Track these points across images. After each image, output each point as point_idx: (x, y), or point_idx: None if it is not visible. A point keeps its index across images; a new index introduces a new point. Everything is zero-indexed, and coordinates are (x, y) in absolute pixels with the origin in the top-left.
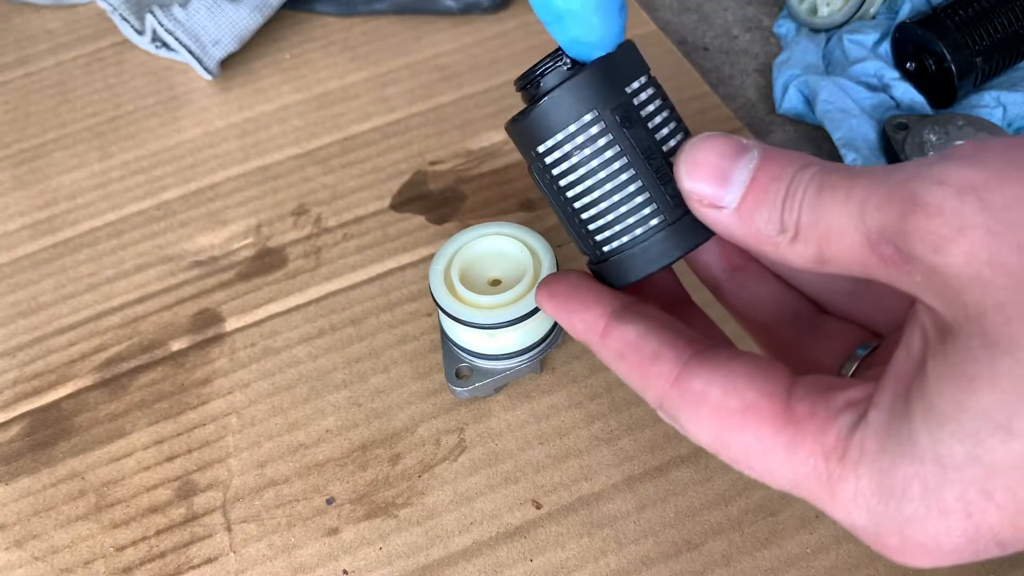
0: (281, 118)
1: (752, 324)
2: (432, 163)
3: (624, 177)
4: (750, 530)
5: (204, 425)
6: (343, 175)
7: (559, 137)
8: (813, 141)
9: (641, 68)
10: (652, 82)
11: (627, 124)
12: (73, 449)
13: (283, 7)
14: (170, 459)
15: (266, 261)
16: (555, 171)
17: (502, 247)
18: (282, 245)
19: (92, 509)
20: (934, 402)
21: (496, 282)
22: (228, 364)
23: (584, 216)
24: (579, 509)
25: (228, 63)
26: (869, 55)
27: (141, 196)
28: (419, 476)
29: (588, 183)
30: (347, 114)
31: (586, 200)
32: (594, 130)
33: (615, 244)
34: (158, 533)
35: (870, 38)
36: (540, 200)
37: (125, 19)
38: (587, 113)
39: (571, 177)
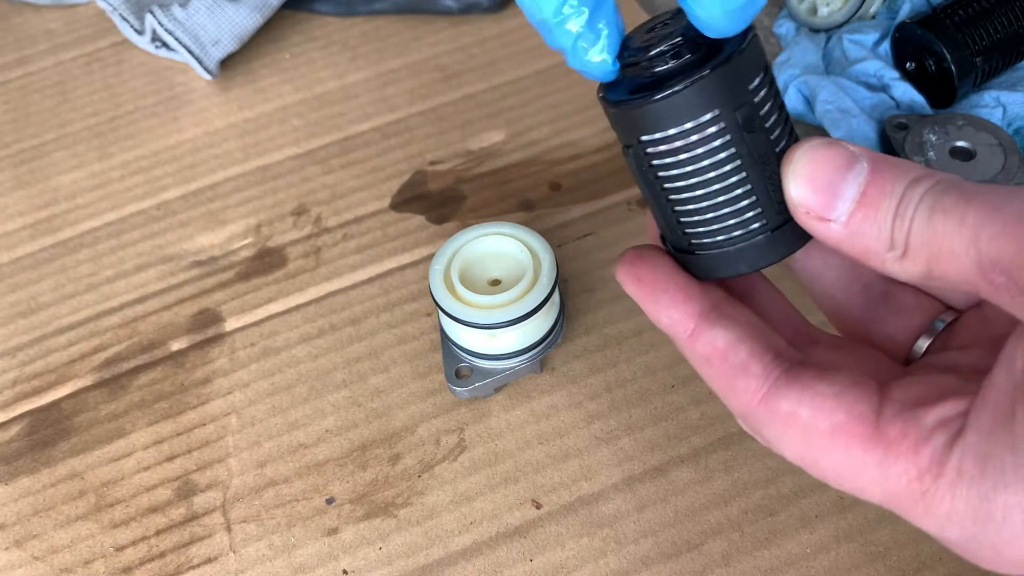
0: (281, 118)
1: (821, 296)
2: (432, 163)
3: (734, 180)
4: (750, 530)
5: (204, 425)
6: (343, 175)
7: (671, 132)
8: None
9: (763, 61)
10: (771, 77)
11: (748, 128)
12: (73, 449)
13: (283, 7)
14: (170, 459)
15: (266, 261)
16: (657, 162)
17: (502, 247)
18: (282, 245)
19: (92, 509)
20: None
21: (496, 282)
22: (228, 364)
23: (679, 208)
24: (579, 509)
25: (228, 63)
26: (869, 55)
27: (141, 196)
28: (419, 476)
29: (693, 180)
30: (347, 114)
31: (686, 195)
32: (712, 130)
33: (707, 240)
34: (158, 533)
35: (870, 38)
36: (540, 200)
37: (125, 19)
38: (708, 113)
39: (675, 171)
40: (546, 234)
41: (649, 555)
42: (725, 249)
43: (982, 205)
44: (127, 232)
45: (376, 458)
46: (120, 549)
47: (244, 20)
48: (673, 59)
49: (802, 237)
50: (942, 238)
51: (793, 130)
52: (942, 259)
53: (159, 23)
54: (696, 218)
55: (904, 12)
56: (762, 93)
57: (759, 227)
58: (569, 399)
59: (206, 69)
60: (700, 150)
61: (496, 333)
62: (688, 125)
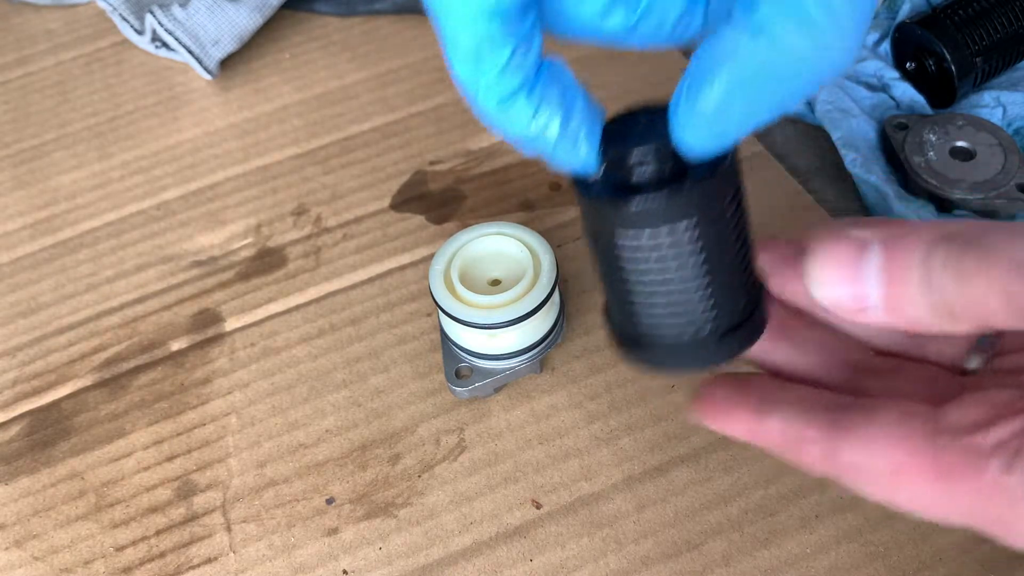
0: (281, 118)
1: (868, 337)
2: (432, 163)
3: (695, 284)
4: (750, 530)
5: (204, 425)
6: (343, 175)
7: (644, 234)
8: (813, 141)
9: (739, 175)
10: (743, 192)
11: (718, 241)
12: (73, 449)
13: (283, 7)
14: (170, 459)
15: (266, 261)
16: (623, 254)
17: (502, 247)
18: (282, 245)
19: (92, 509)
20: None
21: (496, 282)
22: (228, 364)
23: (633, 299)
24: (579, 509)
25: (228, 63)
26: (869, 55)
27: (141, 196)
28: (419, 476)
29: (653, 278)
30: (347, 114)
31: (643, 289)
32: (683, 238)
33: (654, 333)
34: (158, 533)
35: (870, 38)
36: (540, 200)
37: (125, 19)
38: (682, 222)
39: (639, 266)
40: (546, 234)
41: (649, 555)
42: (670, 345)
43: (1005, 264)
44: (127, 232)
45: (376, 458)
46: (120, 549)
47: (244, 20)
48: (656, 163)
49: (750, 339)
50: (981, 302)
51: (752, 242)
52: (989, 317)
53: (159, 23)
54: (648, 311)
55: (904, 12)
56: (734, 207)
57: (710, 330)
58: (569, 399)
59: (206, 69)
60: (669, 252)
61: (496, 333)
62: (663, 230)
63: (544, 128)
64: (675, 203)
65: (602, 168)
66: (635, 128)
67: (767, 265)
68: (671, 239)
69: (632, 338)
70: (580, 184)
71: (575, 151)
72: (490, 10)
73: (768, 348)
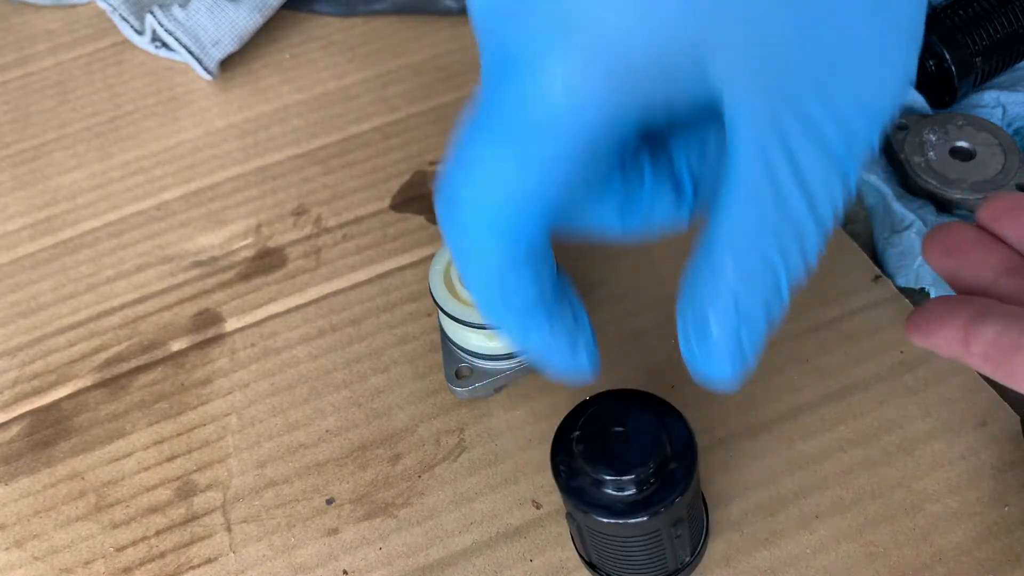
0: (281, 118)
1: None
2: (432, 163)
3: (654, 550)
4: (750, 530)
5: (204, 425)
6: (343, 175)
7: (617, 533)
8: None
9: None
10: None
11: (676, 530)
12: (73, 449)
13: (283, 7)
14: (170, 459)
15: (266, 261)
16: (596, 532)
17: None
18: (282, 245)
19: (92, 509)
20: None
21: None
22: (228, 364)
23: (601, 548)
24: None
25: (228, 63)
26: None
27: (141, 196)
28: (419, 476)
29: (616, 548)
30: (347, 114)
31: (611, 549)
32: (645, 539)
33: (616, 571)
34: (158, 533)
35: None
36: None
37: (125, 19)
38: (649, 531)
39: (607, 537)
40: None
41: None
42: None
43: None
44: (127, 232)
45: (376, 458)
46: (120, 549)
47: (244, 20)
48: (634, 488)
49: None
50: None
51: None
52: None
53: (159, 23)
54: (613, 560)
55: None
56: (693, 493)
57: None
58: (569, 399)
59: (206, 69)
60: (630, 541)
61: (496, 333)
62: (631, 534)
63: (557, 343)
64: (645, 522)
65: (588, 482)
66: (616, 428)
67: (998, 213)
68: (635, 535)
69: (594, 566)
70: (563, 476)
71: (577, 362)
72: (520, 259)
73: (992, 280)
